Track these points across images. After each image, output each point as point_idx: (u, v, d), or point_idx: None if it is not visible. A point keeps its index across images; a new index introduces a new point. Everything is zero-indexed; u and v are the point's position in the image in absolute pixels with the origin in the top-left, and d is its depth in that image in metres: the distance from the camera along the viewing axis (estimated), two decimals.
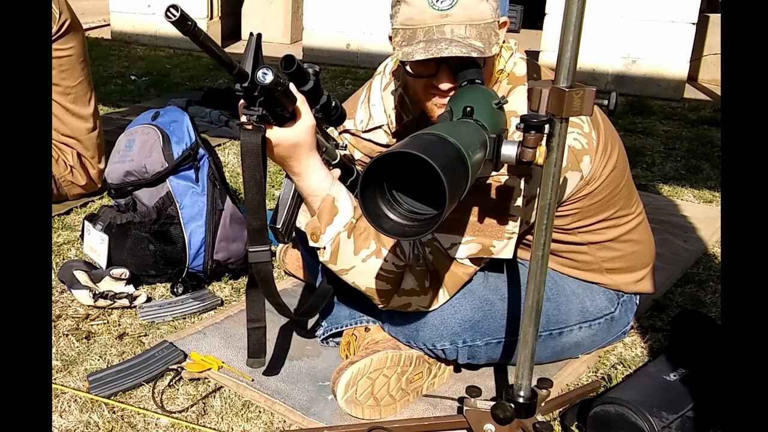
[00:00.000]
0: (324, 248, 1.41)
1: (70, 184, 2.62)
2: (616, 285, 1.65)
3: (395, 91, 1.69)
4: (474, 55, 1.30)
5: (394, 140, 1.71)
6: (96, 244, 2.11)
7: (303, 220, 1.43)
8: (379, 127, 1.71)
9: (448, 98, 1.33)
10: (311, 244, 1.42)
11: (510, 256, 1.44)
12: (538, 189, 1.26)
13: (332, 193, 1.38)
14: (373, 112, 1.71)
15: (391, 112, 1.69)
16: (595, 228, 1.56)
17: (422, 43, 1.32)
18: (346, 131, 1.75)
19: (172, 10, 0.96)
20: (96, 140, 2.69)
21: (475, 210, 1.39)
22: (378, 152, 1.71)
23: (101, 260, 2.10)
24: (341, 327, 1.70)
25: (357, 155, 1.75)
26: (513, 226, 1.40)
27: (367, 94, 1.74)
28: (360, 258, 1.41)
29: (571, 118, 1.32)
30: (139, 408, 1.53)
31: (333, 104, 1.40)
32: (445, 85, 1.39)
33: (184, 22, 0.98)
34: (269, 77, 1.16)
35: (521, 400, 1.37)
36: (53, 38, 2.46)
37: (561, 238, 1.54)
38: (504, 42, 1.46)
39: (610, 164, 1.51)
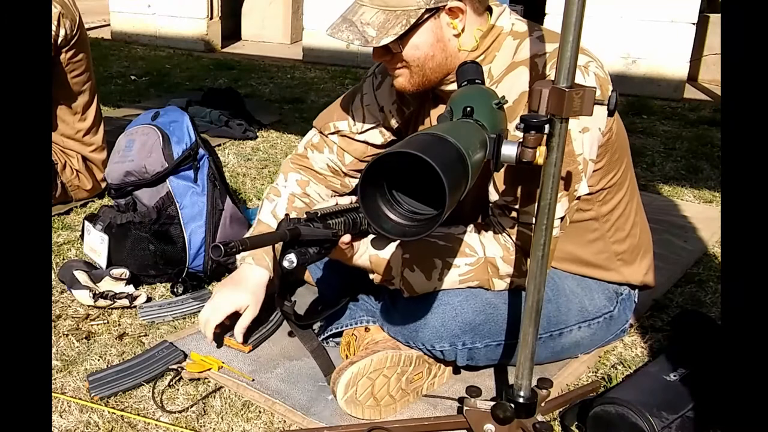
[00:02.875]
0: (401, 289, 1.50)
1: (77, 189, 2.62)
2: (625, 279, 1.65)
3: (390, 86, 1.66)
4: (356, 43, 1.38)
5: (392, 138, 1.71)
6: (96, 244, 2.11)
7: (372, 277, 1.52)
8: (375, 126, 1.71)
9: (394, 68, 1.47)
10: (392, 288, 1.53)
11: (587, 190, 1.46)
12: (589, 121, 1.36)
13: (371, 252, 1.46)
14: (366, 112, 1.71)
15: (390, 107, 1.69)
16: (610, 187, 1.55)
17: (340, 18, 1.44)
18: (336, 132, 1.75)
19: (214, 252, 1.12)
20: (101, 140, 2.71)
21: None
22: (370, 155, 1.72)
23: (101, 260, 2.10)
24: (341, 327, 1.70)
25: (347, 159, 1.75)
26: (582, 162, 1.41)
27: (359, 96, 1.73)
28: (435, 279, 1.47)
29: (582, 50, 1.38)
30: (131, 414, 1.53)
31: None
32: (377, 60, 1.50)
33: (229, 250, 1.13)
34: (294, 263, 1.28)
35: (521, 400, 1.37)
36: (70, 43, 2.49)
37: (579, 215, 1.54)
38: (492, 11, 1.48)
39: (618, 122, 1.52)
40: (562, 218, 1.45)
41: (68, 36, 2.46)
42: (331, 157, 1.76)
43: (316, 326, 1.78)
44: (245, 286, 1.70)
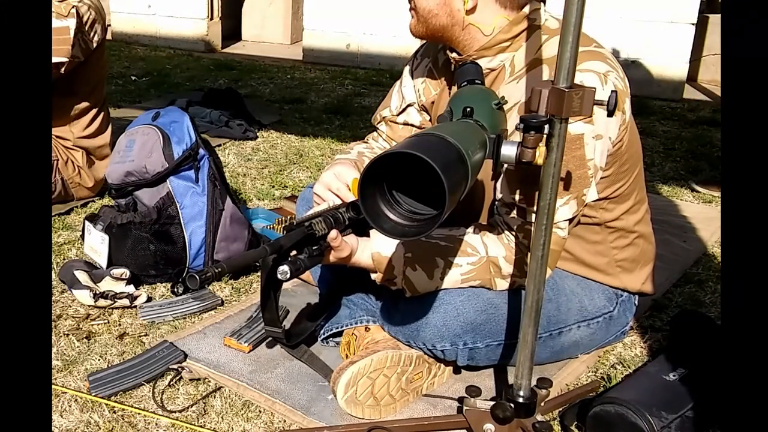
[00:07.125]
0: (403, 289, 1.49)
1: (78, 186, 2.63)
2: (623, 285, 1.66)
3: (425, 67, 1.74)
4: None
5: (428, 117, 1.76)
6: (96, 244, 2.11)
7: (374, 276, 1.51)
8: (410, 105, 1.77)
9: (410, 8, 1.53)
10: (393, 288, 1.52)
11: (596, 196, 1.47)
12: (603, 128, 1.40)
13: (373, 251, 1.46)
14: (404, 93, 1.78)
15: (420, 87, 1.75)
16: (615, 197, 1.56)
17: None
18: (382, 120, 1.82)
19: (191, 282, 1.13)
20: (109, 137, 2.72)
21: None
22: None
23: (102, 260, 2.11)
24: (341, 327, 1.70)
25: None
26: (593, 167, 1.42)
27: (400, 81, 1.80)
28: (437, 278, 1.47)
29: (604, 58, 1.42)
30: (138, 408, 1.53)
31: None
32: None
33: (205, 279, 1.15)
34: (288, 274, 1.31)
35: (521, 399, 1.37)
36: (100, 46, 2.55)
37: (583, 219, 1.54)
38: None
39: (631, 134, 1.53)
40: (570, 220, 1.45)
41: (100, 40, 2.53)
42: (383, 144, 1.83)
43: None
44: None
